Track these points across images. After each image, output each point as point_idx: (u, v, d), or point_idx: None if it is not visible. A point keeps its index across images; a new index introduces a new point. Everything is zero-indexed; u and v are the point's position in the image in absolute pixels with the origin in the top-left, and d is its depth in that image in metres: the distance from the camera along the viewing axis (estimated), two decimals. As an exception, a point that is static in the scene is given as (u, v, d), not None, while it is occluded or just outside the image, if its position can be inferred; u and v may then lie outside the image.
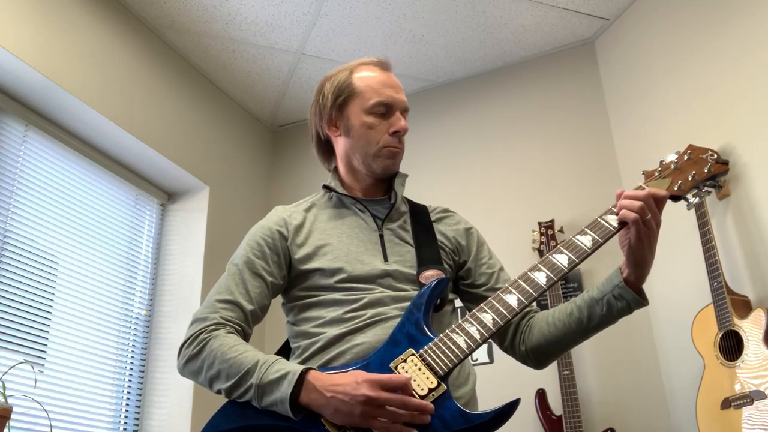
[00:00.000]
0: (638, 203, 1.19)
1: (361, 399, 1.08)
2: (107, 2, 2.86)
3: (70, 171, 2.77)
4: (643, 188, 1.26)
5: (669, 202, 1.36)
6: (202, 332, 1.27)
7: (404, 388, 1.10)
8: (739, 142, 2.39)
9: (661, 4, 2.86)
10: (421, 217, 1.47)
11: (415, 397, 1.11)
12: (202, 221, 3.17)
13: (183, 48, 3.22)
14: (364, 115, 1.41)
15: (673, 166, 1.34)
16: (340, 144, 1.47)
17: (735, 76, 2.46)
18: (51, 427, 2.29)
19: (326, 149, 1.53)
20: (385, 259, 1.36)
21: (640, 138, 2.88)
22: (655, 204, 1.21)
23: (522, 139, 3.24)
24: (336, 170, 1.50)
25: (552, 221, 2.88)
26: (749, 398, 2.03)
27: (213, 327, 1.27)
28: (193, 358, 1.26)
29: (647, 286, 1.25)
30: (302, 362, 1.28)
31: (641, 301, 1.24)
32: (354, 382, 1.10)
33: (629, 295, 1.23)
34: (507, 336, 1.40)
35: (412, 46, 3.25)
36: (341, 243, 1.37)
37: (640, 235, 1.19)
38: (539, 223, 2.90)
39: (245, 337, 1.31)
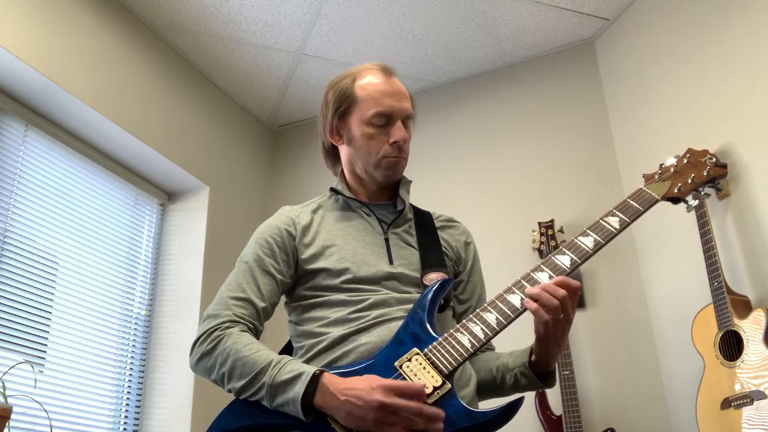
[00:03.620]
0: (556, 302, 1.16)
1: (375, 405, 1.08)
2: (107, 2, 2.85)
3: (70, 171, 2.77)
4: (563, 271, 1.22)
5: (669, 204, 1.38)
6: (216, 329, 1.27)
7: (419, 395, 1.10)
8: (739, 142, 2.39)
9: (661, 5, 2.86)
10: (425, 223, 1.49)
11: (427, 403, 1.11)
12: (202, 221, 3.17)
13: (183, 48, 3.22)
14: (364, 126, 1.41)
15: (672, 170, 1.36)
16: (343, 152, 1.49)
17: (736, 76, 2.46)
18: (51, 427, 2.29)
19: (332, 155, 1.54)
20: (390, 262, 1.37)
21: (639, 137, 2.88)
22: (570, 297, 1.18)
23: (522, 139, 3.24)
24: (342, 174, 1.52)
25: (552, 221, 2.88)
26: (749, 398, 2.03)
27: (227, 324, 1.28)
28: (206, 356, 1.26)
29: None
30: (306, 362, 1.28)
31: (542, 385, 1.29)
32: (369, 387, 1.10)
33: (531, 377, 1.28)
34: None
35: (412, 46, 3.25)
36: (348, 244, 1.38)
37: (548, 331, 1.19)
38: (539, 223, 2.90)
39: (257, 334, 1.32)
